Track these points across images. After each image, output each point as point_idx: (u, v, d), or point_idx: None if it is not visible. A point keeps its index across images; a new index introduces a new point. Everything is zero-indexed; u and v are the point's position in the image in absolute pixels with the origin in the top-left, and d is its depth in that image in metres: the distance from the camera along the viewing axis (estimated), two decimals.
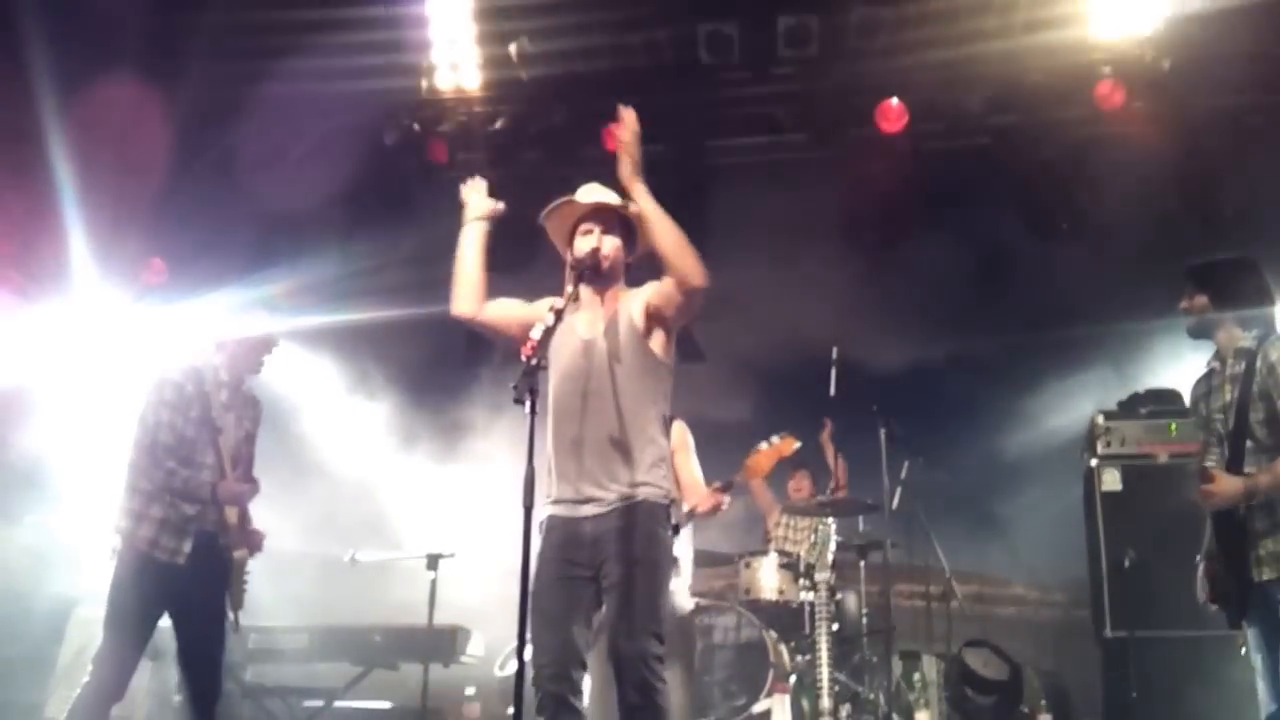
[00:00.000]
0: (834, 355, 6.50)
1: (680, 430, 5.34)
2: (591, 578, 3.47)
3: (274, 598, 5.29)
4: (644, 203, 3.50)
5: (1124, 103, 6.65)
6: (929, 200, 7.13)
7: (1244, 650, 3.86)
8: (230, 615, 4.57)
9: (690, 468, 5.24)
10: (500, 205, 3.78)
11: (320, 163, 7.16)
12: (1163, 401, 6.08)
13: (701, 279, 3.47)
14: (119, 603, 4.43)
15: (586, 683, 3.54)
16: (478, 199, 3.80)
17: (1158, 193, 6.75)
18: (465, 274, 3.69)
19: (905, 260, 7.26)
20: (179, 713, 4.60)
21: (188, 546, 4.42)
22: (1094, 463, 5.92)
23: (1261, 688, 3.81)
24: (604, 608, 3.45)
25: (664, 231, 3.47)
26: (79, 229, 6.65)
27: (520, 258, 5.44)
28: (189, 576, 4.43)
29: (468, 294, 3.68)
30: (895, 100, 6.84)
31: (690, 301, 3.55)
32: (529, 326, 3.29)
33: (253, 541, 4.69)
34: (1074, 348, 6.89)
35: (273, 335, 4.78)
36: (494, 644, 6.37)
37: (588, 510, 3.50)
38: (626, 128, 3.51)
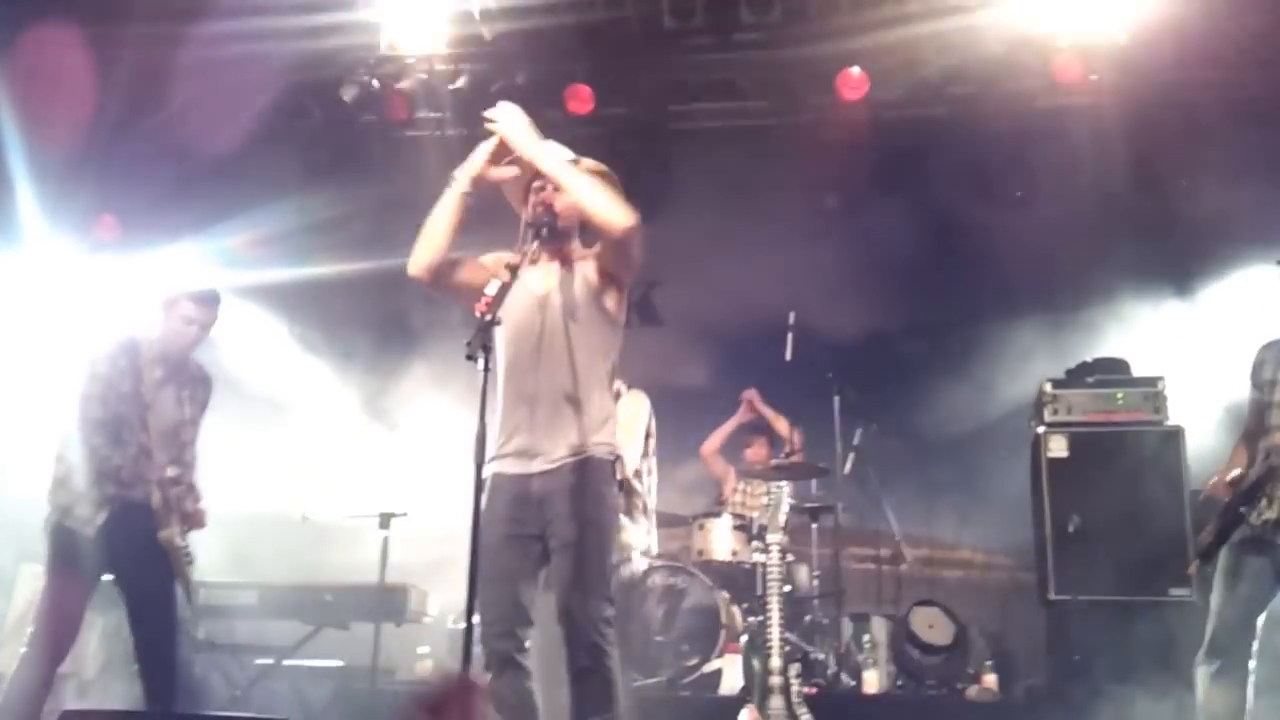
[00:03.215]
0: (790, 321, 6.56)
1: (637, 400, 5.36)
2: (538, 536, 3.48)
3: (224, 555, 5.26)
4: (552, 169, 3.47)
5: (1082, 76, 6.70)
6: (886, 169, 7.16)
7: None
8: (179, 590, 4.51)
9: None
10: (512, 171, 3.57)
11: (277, 119, 7.06)
12: (1110, 370, 6.16)
13: (625, 220, 3.44)
14: (51, 567, 4.42)
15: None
16: (479, 160, 3.56)
17: (1112, 165, 6.81)
18: (431, 238, 3.55)
19: (862, 228, 7.30)
20: (130, 669, 4.59)
21: (100, 519, 4.36)
22: (1041, 430, 5.99)
23: (1213, 613, 4.04)
24: (552, 567, 3.45)
25: (577, 188, 3.46)
26: (26, 183, 6.53)
27: (484, 214, 5.40)
28: (114, 546, 4.38)
29: (426, 257, 3.56)
30: (856, 69, 6.85)
31: (626, 249, 3.53)
32: (484, 286, 3.23)
33: (194, 520, 4.62)
34: (1025, 316, 6.96)
35: (195, 308, 4.59)
36: (446, 603, 6.39)
37: (537, 466, 3.50)
38: (496, 121, 3.49)
